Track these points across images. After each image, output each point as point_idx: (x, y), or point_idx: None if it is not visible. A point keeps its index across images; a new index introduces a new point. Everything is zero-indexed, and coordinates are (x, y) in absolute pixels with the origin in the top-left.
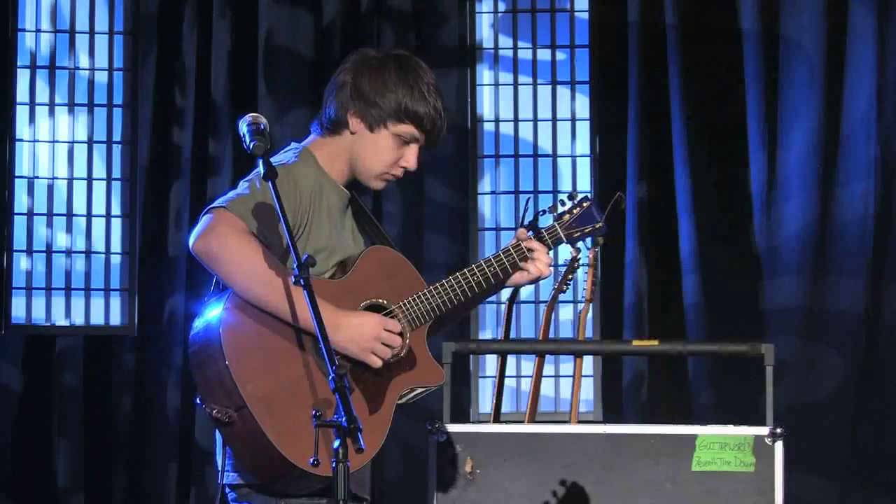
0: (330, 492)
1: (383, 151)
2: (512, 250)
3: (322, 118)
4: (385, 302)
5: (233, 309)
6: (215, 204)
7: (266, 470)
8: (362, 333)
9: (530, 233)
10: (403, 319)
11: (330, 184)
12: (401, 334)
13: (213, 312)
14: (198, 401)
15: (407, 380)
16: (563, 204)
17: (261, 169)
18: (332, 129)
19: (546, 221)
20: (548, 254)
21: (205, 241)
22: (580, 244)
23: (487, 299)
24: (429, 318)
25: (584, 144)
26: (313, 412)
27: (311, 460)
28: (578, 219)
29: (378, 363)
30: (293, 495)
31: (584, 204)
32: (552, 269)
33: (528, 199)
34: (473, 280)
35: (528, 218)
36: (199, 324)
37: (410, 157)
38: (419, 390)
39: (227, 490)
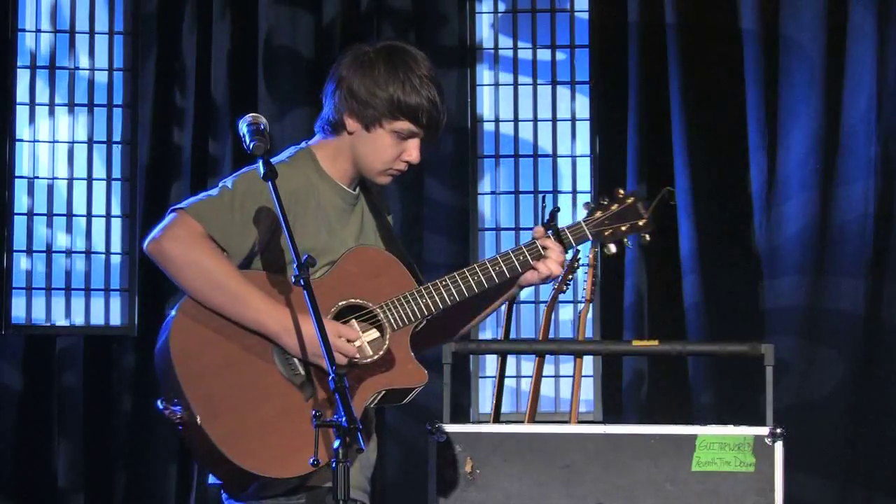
0: (306, 490)
1: (383, 150)
2: (524, 249)
3: (322, 119)
4: (364, 302)
5: (185, 312)
6: (179, 205)
7: (220, 471)
8: (312, 340)
9: (549, 232)
10: (384, 320)
11: (327, 184)
12: (381, 332)
13: (169, 316)
14: (158, 403)
15: (381, 382)
16: (603, 200)
17: (260, 168)
18: (332, 130)
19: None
20: (562, 253)
21: (157, 242)
22: (584, 245)
23: (502, 304)
24: (414, 319)
25: (584, 144)
26: (313, 412)
27: (311, 460)
28: (618, 215)
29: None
30: (267, 496)
31: (629, 200)
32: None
33: (544, 196)
34: (473, 280)
35: (552, 218)
36: (162, 328)
37: (412, 151)
38: (407, 393)
39: (222, 490)
